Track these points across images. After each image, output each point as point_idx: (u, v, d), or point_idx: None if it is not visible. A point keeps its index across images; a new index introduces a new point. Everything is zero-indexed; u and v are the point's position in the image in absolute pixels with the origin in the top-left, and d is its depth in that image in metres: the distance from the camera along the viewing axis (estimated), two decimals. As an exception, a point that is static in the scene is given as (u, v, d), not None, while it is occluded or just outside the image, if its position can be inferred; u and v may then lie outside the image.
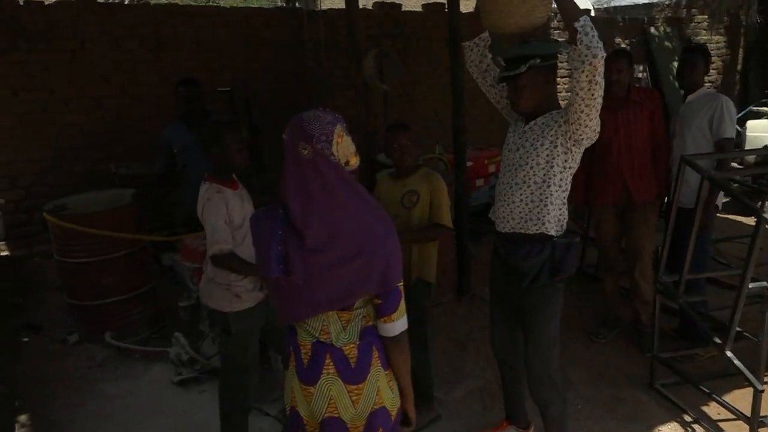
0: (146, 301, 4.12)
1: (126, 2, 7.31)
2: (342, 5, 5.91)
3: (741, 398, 3.05)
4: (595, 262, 4.54)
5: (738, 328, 2.81)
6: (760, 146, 6.81)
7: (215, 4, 8.45)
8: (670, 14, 10.25)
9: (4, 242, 5.22)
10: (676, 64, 5.05)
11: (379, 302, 1.76)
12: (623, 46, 9.41)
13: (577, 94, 2.19)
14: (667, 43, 9.81)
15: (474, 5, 2.69)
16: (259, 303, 2.59)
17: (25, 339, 4.13)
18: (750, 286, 2.63)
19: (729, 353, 2.72)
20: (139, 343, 3.93)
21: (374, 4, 7.33)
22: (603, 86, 2.19)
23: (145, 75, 5.58)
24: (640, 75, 9.42)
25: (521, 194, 2.47)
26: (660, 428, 3.05)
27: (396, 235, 1.77)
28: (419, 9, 7.76)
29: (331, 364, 1.77)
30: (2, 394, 3.41)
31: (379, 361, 1.80)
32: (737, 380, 3.00)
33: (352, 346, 1.77)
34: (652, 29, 9.77)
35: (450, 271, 4.73)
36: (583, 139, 2.34)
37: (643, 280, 3.77)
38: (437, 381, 3.51)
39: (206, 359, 3.38)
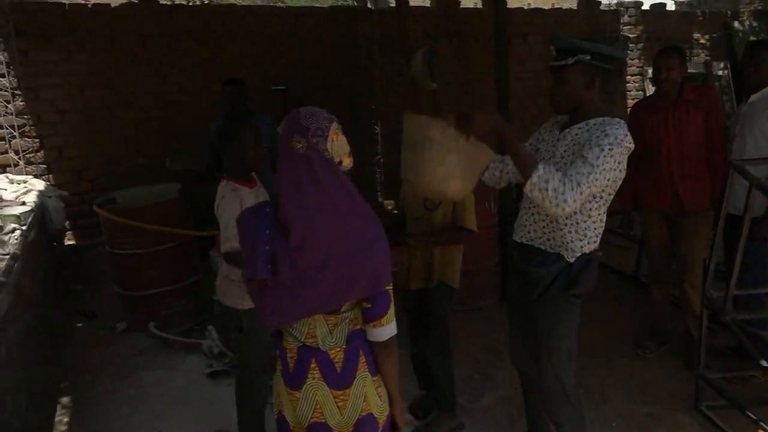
0: (189, 294, 4.26)
1: (187, 3, 7.57)
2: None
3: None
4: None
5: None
6: None
7: (277, 4, 8.59)
8: (760, 7, 9.53)
9: (70, 232, 5.54)
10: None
11: (368, 306, 1.71)
12: (702, 41, 8.87)
13: None
14: (752, 38, 9.14)
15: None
16: None
17: (79, 324, 4.37)
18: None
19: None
20: (180, 334, 4.07)
21: (432, 0, 7.25)
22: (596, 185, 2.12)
23: (202, 73, 5.76)
24: (720, 73, 8.83)
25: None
26: (697, 453, 2.84)
27: (386, 239, 1.72)
28: (479, 5, 7.62)
29: (317, 368, 1.74)
30: (49, 375, 3.62)
31: (366, 367, 1.76)
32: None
33: (338, 350, 1.73)
34: (736, 23, 9.13)
35: (491, 275, 4.61)
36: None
37: (694, 292, 3.51)
38: (465, 388, 3.45)
39: (234, 353, 3.44)
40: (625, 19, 8.22)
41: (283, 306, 1.70)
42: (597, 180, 2.12)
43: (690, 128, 3.39)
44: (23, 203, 4.46)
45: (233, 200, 2.47)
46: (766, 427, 2.78)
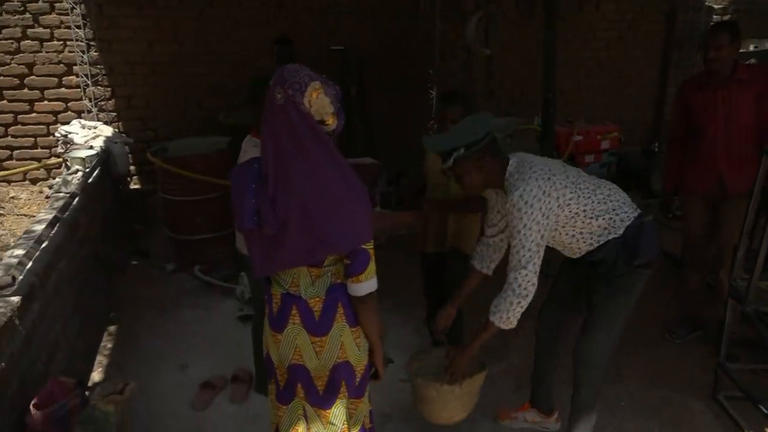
0: (231, 242, 4.49)
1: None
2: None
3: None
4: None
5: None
6: None
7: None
8: None
9: (136, 177, 5.94)
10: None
11: (348, 263, 1.81)
12: None
13: None
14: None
15: None
16: None
17: (134, 262, 4.73)
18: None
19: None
20: (221, 278, 4.33)
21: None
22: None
23: (264, 32, 5.91)
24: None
25: (568, 240, 2.39)
26: (703, 441, 2.80)
27: (366, 199, 1.80)
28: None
29: (297, 314, 1.86)
30: (101, 306, 3.97)
31: (344, 318, 1.87)
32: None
33: (317, 299, 1.85)
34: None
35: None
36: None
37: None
38: (480, 354, 3.49)
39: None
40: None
41: (269, 255, 1.82)
42: (531, 247, 2.19)
43: (739, 109, 3.22)
44: (91, 147, 4.83)
45: (253, 155, 2.59)
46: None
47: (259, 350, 2.91)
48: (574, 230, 2.31)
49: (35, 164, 5.56)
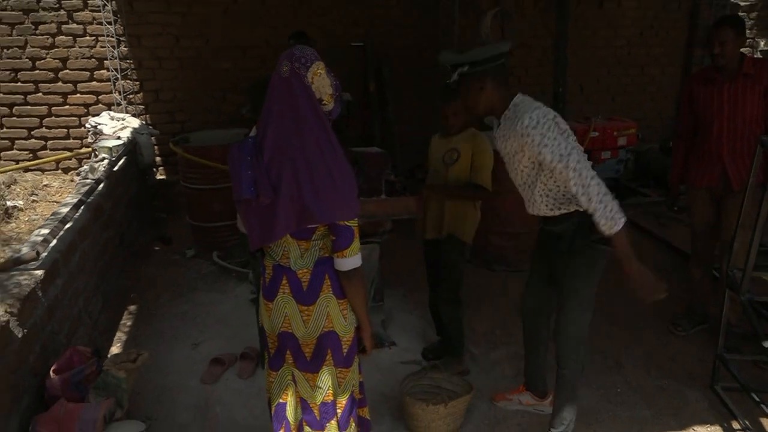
0: (248, 229, 4.67)
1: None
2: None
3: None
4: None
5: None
6: None
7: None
8: None
9: (162, 167, 6.17)
10: None
11: (333, 238, 1.93)
12: None
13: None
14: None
15: None
16: None
17: (157, 248, 4.94)
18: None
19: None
20: (238, 264, 4.50)
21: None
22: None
23: (285, 28, 6.05)
24: None
25: (531, 189, 2.45)
26: (696, 428, 2.83)
27: (352, 178, 1.91)
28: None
29: (287, 285, 1.99)
30: (123, 286, 4.18)
31: (330, 289, 1.99)
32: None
33: (305, 271, 1.97)
34: None
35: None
36: None
37: (733, 274, 3.40)
38: (482, 341, 3.60)
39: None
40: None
41: (264, 227, 1.95)
42: (579, 160, 2.20)
43: (746, 103, 3.23)
44: (118, 138, 5.06)
45: None
46: (766, 410, 2.71)
47: (261, 335, 3.06)
48: (547, 185, 2.36)
49: (67, 153, 5.83)
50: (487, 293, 4.19)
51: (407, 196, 3.20)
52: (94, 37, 5.74)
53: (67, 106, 5.87)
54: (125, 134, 5.16)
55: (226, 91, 6.11)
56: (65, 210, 3.44)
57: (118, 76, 5.78)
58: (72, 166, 5.93)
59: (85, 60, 5.79)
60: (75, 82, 5.83)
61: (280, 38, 6.11)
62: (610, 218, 2.17)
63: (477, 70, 2.32)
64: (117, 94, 5.83)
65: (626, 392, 3.12)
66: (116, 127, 5.24)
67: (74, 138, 5.93)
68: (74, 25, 5.69)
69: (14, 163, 5.83)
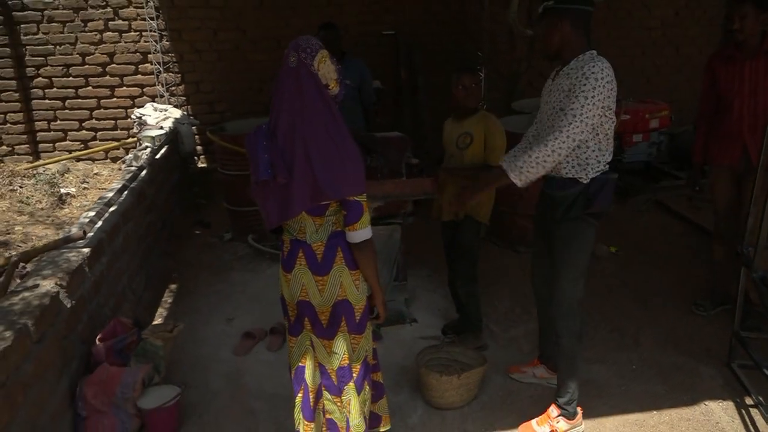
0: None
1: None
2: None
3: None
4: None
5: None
6: None
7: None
8: None
9: (203, 156, 6.46)
10: None
11: (345, 213, 2.09)
12: None
13: None
14: None
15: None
16: None
17: (197, 231, 5.22)
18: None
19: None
20: (272, 246, 4.72)
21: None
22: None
23: (318, 19, 6.22)
24: None
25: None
26: (708, 403, 2.88)
27: (358, 157, 2.06)
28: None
29: (303, 257, 2.16)
30: (165, 266, 4.46)
31: (343, 261, 2.15)
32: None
33: (320, 244, 2.14)
34: None
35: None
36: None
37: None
38: (502, 318, 3.71)
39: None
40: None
41: (283, 203, 2.11)
42: (578, 127, 2.31)
43: (766, 81, 3.22)
44: (161, 128, 5.35)
45: None
46: (777, 385, 2.74)
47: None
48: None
49: (115, 143, 6.18)
50: (510, 274, 4.28)
51: (424, 177, 3.33)
52: (138, 33, 6.05)
53: (114, 99, 6.21)
54: (167, 124, 5.45)
55: (262, 81, 6.34)
56: (110, 195, 3.71)
57: (161, 69, 6.08)
58: (119, 156, 6.28)
59: (131, 54, 6.11)
60: (121, 76, 6.16)
61: (313, 29, 6.26)
62: (522, 170, 2.41)
63: (561, 7, 2.39)
64: (160, 86, 6.13)
65: (641, 368, 3.18)
66: (159, 117, 5.54)
67: (121, 129, 6.28)
68: (120, 22, 6.01)
69: (67, 153, 6.22)
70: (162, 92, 6.14)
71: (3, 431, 2.11)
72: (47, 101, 6.15)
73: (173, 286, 4.24)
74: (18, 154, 6.14)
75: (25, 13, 5.86)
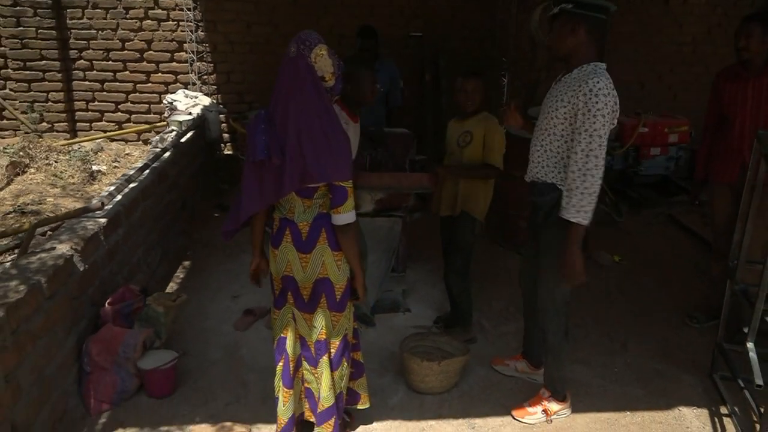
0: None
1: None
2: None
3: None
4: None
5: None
6: None
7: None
8: None
9: (230, 143, 6.71)
10: None
11: (331, 197, 2.25)
12: None
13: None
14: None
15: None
16: None
17: (216, 214, 5.44)
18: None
19: (749, 344, 2.53)
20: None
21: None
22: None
23: (350, 18, 6.43)
24: None
25: (541, 142, 2.63)
26: (682, 409, 2.95)
27: (347, 145, 2.22)
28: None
29: (289, 235, 2.33)
30: (181, 244, 4.69)
31: (326, 241, 2.31)
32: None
33: (305, 224, 2.30)
34: None
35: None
36: None
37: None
38: (495, 315, 3.82)
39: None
40: None
41: (276, 183, 2.27)
42: (602, 145, 2.38)
43: (769, 100, 3.27)
44: (189, 113, 5.60)
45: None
46: (749, 396, 2.77)
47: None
48: (561, 143, 2.53)
49: (147, 126, 6.47)
50: (511, 275, 4.37)
51: (422, 173, 3.46)
52: (175, 22, 6.32)
53: (149, 84, 6.50)
54: (196, 111, 5.70)
55: (290, 75, 6.53)
56: (131, 172, 3.95)
57: (195, 58, 6.34)
58: (151, 138, 6.56)
59: (167, 42, 6.39)
60: (157, 62, 6.45)
61: (344, 27, 6.49)
62: (580, 209, 2.40)
63: (579, 12, 2.38)
64: (193, 74, 6.40)
65: (624, 372, 3.26)
66: (189, 104, 5.79)
67: (154, 113, 6.57)
68: (159, 11, 6.30)
69: (102, 132, 6.54)
70: (194, 80, 6.41)
71: (12, 373, 2.33)
72: (87, 83, 6.47)
73: (187, 263, 4.46)
74: (57, 131, 6.47)
75: (73, -2, 6.20)
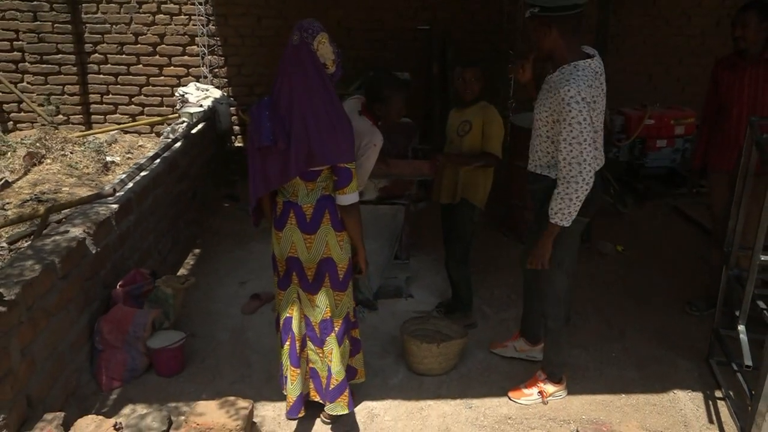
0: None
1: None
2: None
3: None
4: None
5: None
6: None
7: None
8: None
9: (240, 135, 6.82)
10: None
11: (335, 179, 2.35)
12: None
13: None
14: None
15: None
16: None
17: (226, 204, 5.56)
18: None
19: (740, 327, 2.58)
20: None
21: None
22: None
23: (358, 11, 6.50)
24: None
25: (535, 139, 2.71)
26: (677, 392, 3.01)
27: (349, 128, 2.31)
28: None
29: (293, 217, 2.42)
30: (192, 232, 4.81)
31: (329, 222, 2.40)
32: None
33: (309, 206, 2.40)
34: None
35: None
36: None
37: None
38: (496, 302, 3.89)
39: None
40: None
41: (282, 167, 2.36)
42: (586, 148, 2.43)
43: (765, 89, 3.30)
44: (200, 106, 5.71)
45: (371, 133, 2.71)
46: (741, 379, 2.82)
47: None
48: (547, 146, 2.60)
49: (160, 118, 6.60)
50: (513, 264, 4.42)
51: (422, 160, 3.54)
52: (187, 16, 6.44)
53: (162, 77, 6.63)
54: (207, 103, 5.81)
55: (300, 68, 6.63)
56: (143, 161, 4.07)
57: (206, 51, 6.46)
58: (164, 130, 6.70)
59: (179, 36, 6.51)
60: (170, 56, 6.57)
61: (352, 20, 6.57)
62: (558, 211, 2.48)
63: (546, 15, 2.44)
64: (204, 67, 6.51)
65: (621, 357, 3.32)
66: (200, 96, 5.90)
67: (167, 105, 6.69)
68: (171, 5, 6.42)
69: (116, 125, 6.68)
70: (206, 73, 6.52)
71: (27, 348, 2.46)
72: (101, 76, 6.61)
73: (197, 251, 4.58)
74: (72, 123, 6.62)
75: (88, -7, 6.34)
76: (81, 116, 6.64)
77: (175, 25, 6.46)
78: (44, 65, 6.45)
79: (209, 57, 6.50)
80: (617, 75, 6.20)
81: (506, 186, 4.76)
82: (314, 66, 2.29)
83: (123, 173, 3.85)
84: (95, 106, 6.72)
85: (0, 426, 2.25)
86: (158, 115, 6.68)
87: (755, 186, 3.35)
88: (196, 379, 3.03)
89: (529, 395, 2.91)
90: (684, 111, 5.86)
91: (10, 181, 5.15)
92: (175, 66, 6.61)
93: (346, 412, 2.57)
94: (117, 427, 2.33)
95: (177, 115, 5.96)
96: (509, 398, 2.93)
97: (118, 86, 6.64)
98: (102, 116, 6.76)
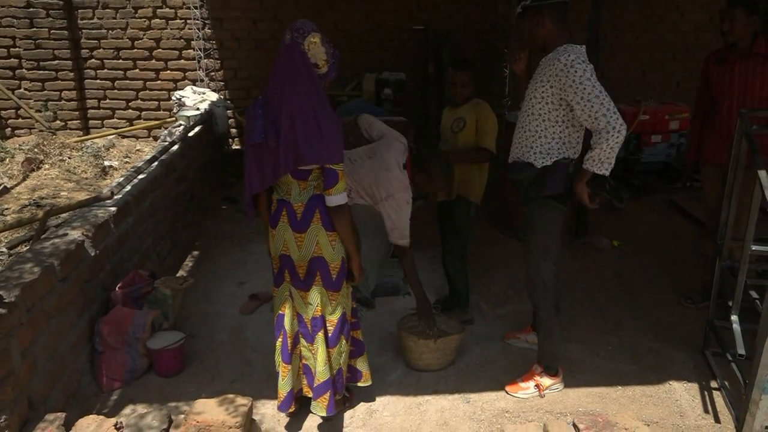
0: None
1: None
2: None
3: None
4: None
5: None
6: None
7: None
8: None
9: (237, 138, 6.86)
10: None
11: (323, 179, 2.37)
12: None
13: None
14: None
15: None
16: None
17: (224, 206, 5.59)
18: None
19: (733, 317, 2.61)
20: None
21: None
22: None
23: (353, 14, 6.55)
24: None
25: (522, 122, 2.74)
26: (673, 383, 3.03)
27: (338, 130, 2.33)
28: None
29: (286, 215, 2.45)
30: (190, 235, 4.83)
31: (320, 221, 2.42)
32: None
33: (300, 204, 2.42)
34: None
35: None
36: None
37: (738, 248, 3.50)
38: (494, 298, 3.92)
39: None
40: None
41: (273, 165, 2.39)
42: (605, 100, 2.44)
43: (756, 82, 3.34)
44: (197, 109, 5.75)
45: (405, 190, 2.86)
46: (735, 369, 2.85)
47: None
48: (537, 124, 2.64)
49: (157, 122, 6.64)
50: (511, 260, 4.47)
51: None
52: (183, 20, 6.48)
53: (159, 81, 6.67)
54: (203, 106, 5.85)
55: (295, 70, 6.67)
56: (140, 164, 4.10)
57: (202, 55, 6.50)
58: (161, 134, 6.73)
59: (175, 40, 6.55)
60: (166, 60, 6.62)
61: (348, 23, 6.62)
62: (600, 162, 2.48)
63: (539, 4, 2.56)
64: (201, 71, 6.56)
65: (617, 350, 3.34)
66: (197, 100, 5.95)
67: (164, 109, 6.74)
68: (167, 10, 6.46)
69: (114, 129, 6.71)
70: (202, 77, 6.56)
71: (28, 349, 2.48)
72: (98, 81, 6.66)
73: (195, 253, 4.61)
74: (70, 129, 6.67)
75: (83, -1, 6.38)
76: (78, 121, 6.68)
77: (171, 29, 6.51)
78: (41, 71, 6.49)
79: (205, 60, 6.54)
80: (611, 71, 6.28)
81: (502, 183, 4.79)
82: (305, 66, 2.31)
83: (120, 176, 3.88)
84: (92, 111, 6.76)
85: (2, 427, 2.28)
86: (155, 119, 6.72)
87: (746, 178, 3.40)
88: (196, 379, 3.06)
89: (526, 389, 2.94)
90: (678, 106, 5.91)
91: (8, 186, 5.18)
92: (172, 70, 6.65)
93: (324, 414, 2.58)
94: (118, 426, 2.36)
95: (174, 118, 5.99)
96: (506, 392, 2.95)
97: (115, 91, 6.69)
98: (99, 121, 6.80)
